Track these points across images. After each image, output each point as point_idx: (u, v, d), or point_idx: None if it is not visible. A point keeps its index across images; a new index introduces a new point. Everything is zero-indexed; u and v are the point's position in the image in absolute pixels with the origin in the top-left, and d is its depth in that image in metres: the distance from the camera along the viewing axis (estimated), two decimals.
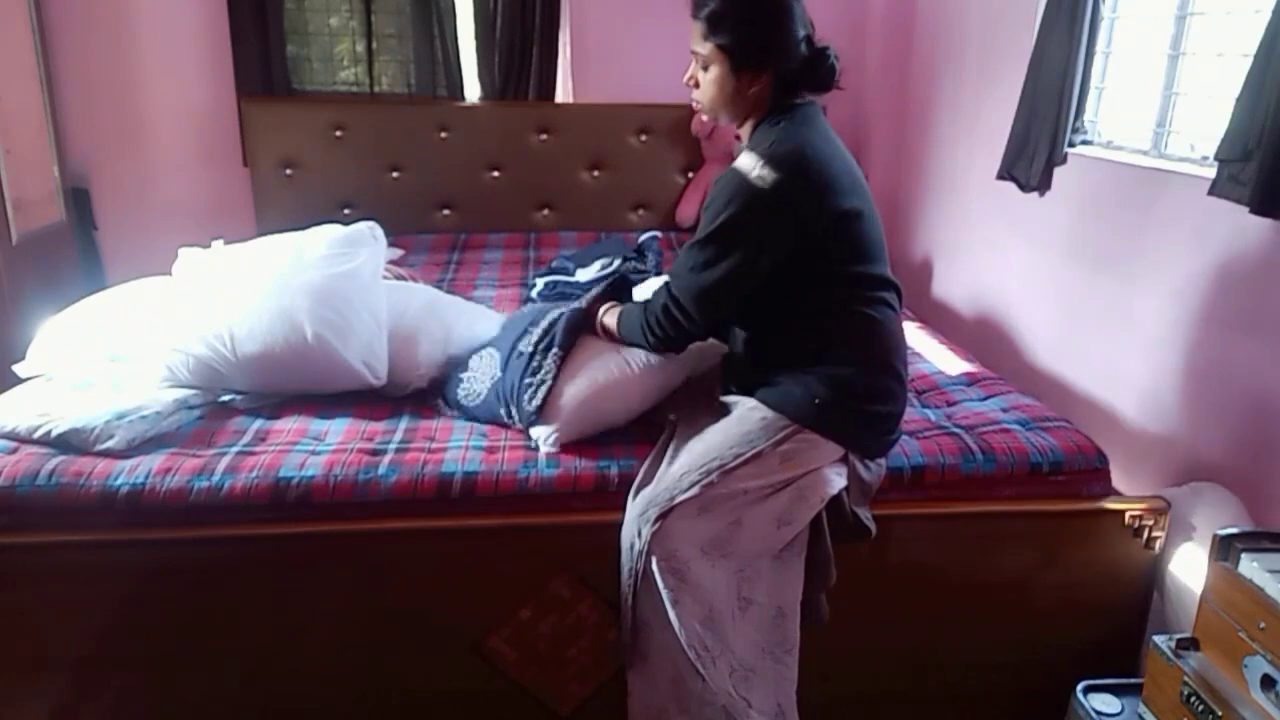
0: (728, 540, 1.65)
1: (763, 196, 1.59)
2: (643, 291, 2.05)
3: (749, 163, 1.62)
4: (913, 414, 2.07)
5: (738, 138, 1.76)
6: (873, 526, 1.75)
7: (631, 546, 1.65)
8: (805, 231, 1.62)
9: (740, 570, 1.67)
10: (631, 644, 1.69)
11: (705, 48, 1.66)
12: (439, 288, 2.80)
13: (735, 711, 1.64)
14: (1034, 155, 2.81)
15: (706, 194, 1.68)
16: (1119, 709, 1.67)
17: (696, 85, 1.72)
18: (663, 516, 1.62)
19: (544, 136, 3.81)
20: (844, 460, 1.70)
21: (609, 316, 1.92)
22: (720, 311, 1.72)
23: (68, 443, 1.81)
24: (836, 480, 1.68)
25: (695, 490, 1.62)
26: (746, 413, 1.71)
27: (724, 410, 1.78)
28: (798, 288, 1.67)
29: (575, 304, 2.02)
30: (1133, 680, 1.69)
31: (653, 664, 1.68)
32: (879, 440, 1.76)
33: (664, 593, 1.62)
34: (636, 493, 1.70)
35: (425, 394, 2.13)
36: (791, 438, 1.66)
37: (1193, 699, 1.45)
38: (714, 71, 1.67)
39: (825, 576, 1.73)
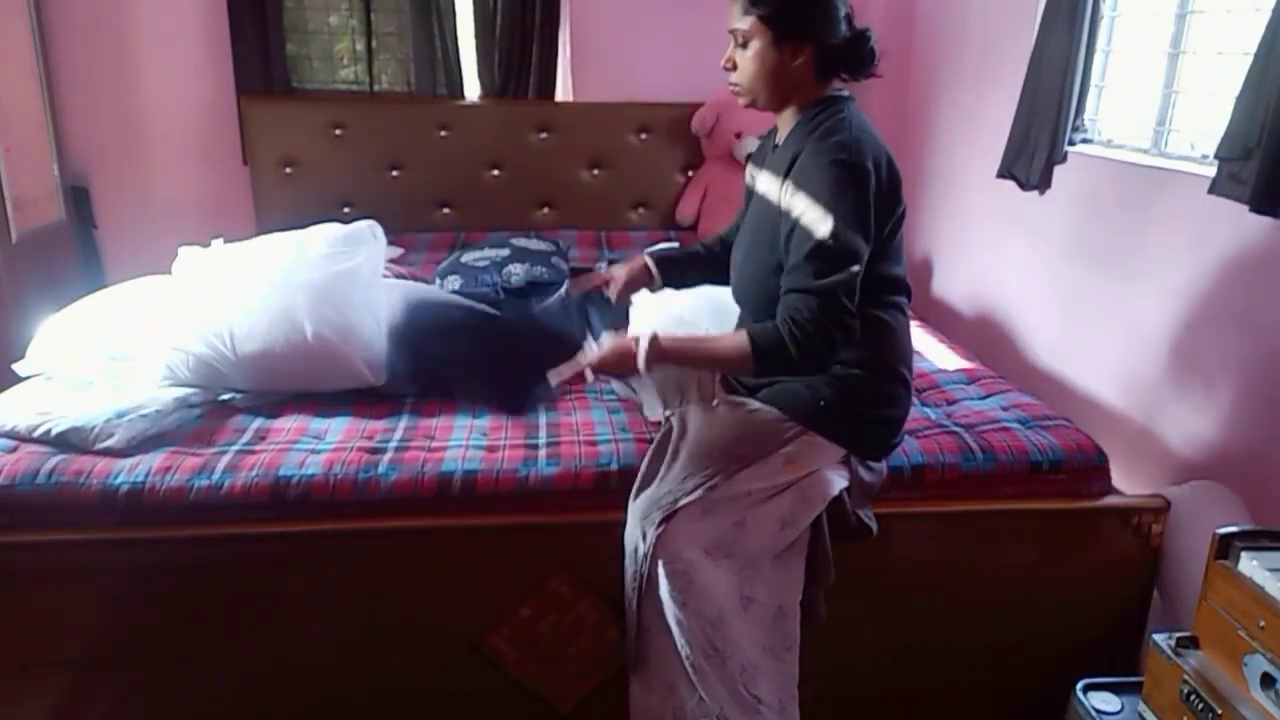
0: (731, 541, 1.65)
1: (868, 178, 1.53)
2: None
3: (840, 151, 1.54)
4: (913, 412, 2.05)
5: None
6: (874, 526, 1.75)
7: (636, 550, 1.64)
8: (881, 221, 1.58)
9: (742, 570, 1.67)
10: (635, 648, 1.69)
11: (745, 22, 1.60)
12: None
13: (744, 710, 1.64)
14: (1034, 154, 2.81)
15: (807, 184, 1.56)
16: (1119, 707, 1.67)
17: (733, 67, 1.66)
18: (666, 519, 1.61)
19: (544, 135, 3.81)
20: (845, 462, 1.70)
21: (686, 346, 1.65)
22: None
23: (67, 441, 1.81)
24: (838, 481, 1.68)
25: (699, 493, 1.62)
26: (749, 414, 1.70)
27: (725, 410, 1.77)
28: None
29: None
30: (1133, 679, 1.68)
31: (652, 669, 1.68)
32: (882, 444, 1.76)
33: (672, 595, 1.61)
34: (637, 494, 1.69)
35: (426, 392, 2.13)
36: (795, 439, 1.65)
37: (1192, 697, 1.45)
38: (754, 47, 1.60)
39: (823, 576, 1.72)
